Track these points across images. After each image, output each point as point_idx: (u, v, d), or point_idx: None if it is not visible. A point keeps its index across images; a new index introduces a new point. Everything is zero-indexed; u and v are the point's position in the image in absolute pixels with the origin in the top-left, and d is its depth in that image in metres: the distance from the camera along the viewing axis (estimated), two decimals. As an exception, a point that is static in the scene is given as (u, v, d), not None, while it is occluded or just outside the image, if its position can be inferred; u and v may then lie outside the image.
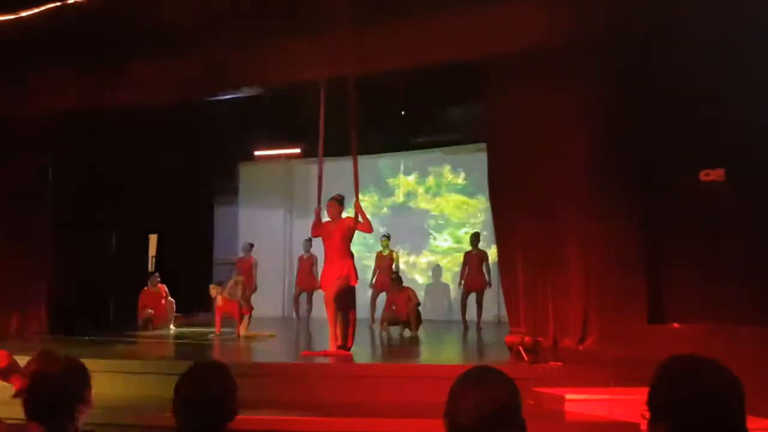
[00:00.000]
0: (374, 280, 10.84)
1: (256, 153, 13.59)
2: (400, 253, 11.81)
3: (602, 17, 6.81)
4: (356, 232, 7.20)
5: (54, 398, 2.18)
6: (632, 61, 6.93)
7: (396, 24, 7.58)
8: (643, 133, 6.87)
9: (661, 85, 6.70)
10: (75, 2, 8.16)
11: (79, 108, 9.02)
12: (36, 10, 8.43)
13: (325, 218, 7.28)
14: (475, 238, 10.50)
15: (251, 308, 9.53)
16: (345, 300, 7.09)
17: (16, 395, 2.43)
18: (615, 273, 6.93)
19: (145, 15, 7.70)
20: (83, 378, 2.28)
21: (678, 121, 6.59)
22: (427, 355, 8.17)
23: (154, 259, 12.41)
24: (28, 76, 8.86)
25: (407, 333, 9.37)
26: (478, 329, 10.03)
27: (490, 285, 10.22)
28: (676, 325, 6.29)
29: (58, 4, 8.34)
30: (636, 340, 6.32)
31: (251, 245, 11.84)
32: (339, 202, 7.27)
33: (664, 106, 6.66)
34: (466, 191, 12.30)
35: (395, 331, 9.62)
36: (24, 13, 8.49)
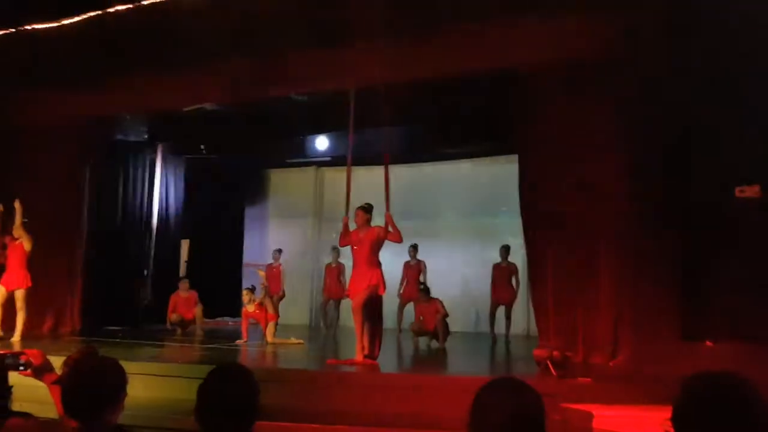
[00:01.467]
0: (402, 289, 10.81)
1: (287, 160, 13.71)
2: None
3: (639, 30, 6.76)
4: (385, 241, 7.20)
5: (91, 395, 2.21)
6: (668, 74, 6.82)
7: (428, 34, 7.60)
8: (679, 149, 6.76)
9: (696, 99, 6.59)
10: (115, 11, 8.36)
11: (115, 114, 9.21)
12: (77, 19, 8.65)
13: (353, 227, 7.29)
14: (504, 250, 10.43)
15: (278, 315, 9.57)
16: (372, 309, 7.08)
17: (54, 383, 2.48)
18: (648, 289, 6.79)
19: (181, 24, 7.85)
20: (120, 378, 2.31)
21: (714, 136, 6.48)
22: (454, 366, 8.12)
23: (186, 263, 12.57)
24: (64, 86, 9.07)
25: (434, 344, 9.33)
26: (507, 342, 9.95)
27: (516, 296, 10.16)
28: (709, 343, 6.15)
29: (99, 12, 8.54)
30: (668, 357, 6.18)
31: (280, 251, 11.91)
32: (366, 210, 7.27)
33: (700, 121, 6.55)
34: (496, 202, 12.21)
35: (422, 341, 9.59)
36: (66, 21, 8.71)
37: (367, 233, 7.14)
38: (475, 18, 7.32)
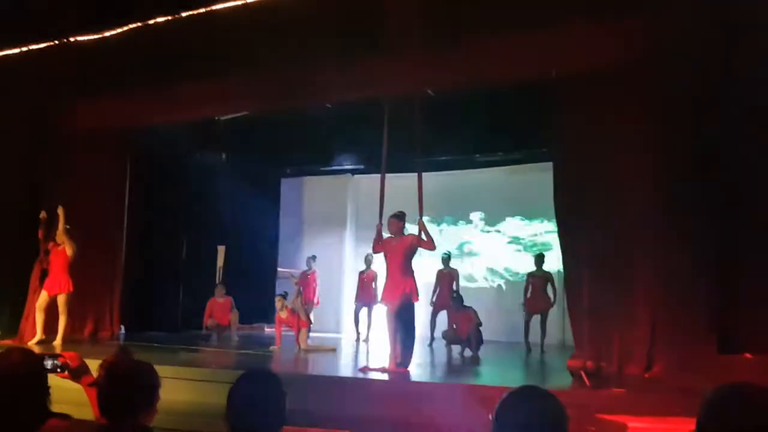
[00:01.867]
0: (434, 298, 10.81)
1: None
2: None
3: (677, 35, 6.68)
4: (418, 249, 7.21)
5: (126, 397, 2.27)
6: (707, 80, 6.73)
7: (464, 43, 7.62)
8: (717, 157, 6.65)
9: (737, 106, 6.48)
10: (155, 23, 8.57)
11: (155, 122, 9.42)
12: (119, 30, 8.88)
13: (387, 234, 7.32)
14: (539, 259, 10.35)
15: (310, 321, 9.64)
16: (405, 317, 7.09)
17: (91, 384, 2.55)
18: (685, 299, 6.68)
19: (218, 34, 8.01)
20: (154, 381, 2.38)
21: (754, 144, 6.37)
22: (486, 376, 8.07)
23: (221, 270, 12.75)
24: (104, 96, 9.31)
25: (467, 353, 9.29)
26: (541, 352, 9.86)
27: (553, 304, 10.07)
28: (748, 355, 6.03)
29: (140, 24, 8.77)
30: (706, 369, 6.06)
31: (314, 258, 11.99)
32: (400, 218, 7.29)
33: (741, 129, 6.44)
34: (529, 211, 12.14)
35: (455, 350, 9.56)
36: (108, 33, 8.96)
37: (401, 241, 7.16)
38: (506, 26, 7.34)
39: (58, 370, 2.58)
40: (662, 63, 6.81)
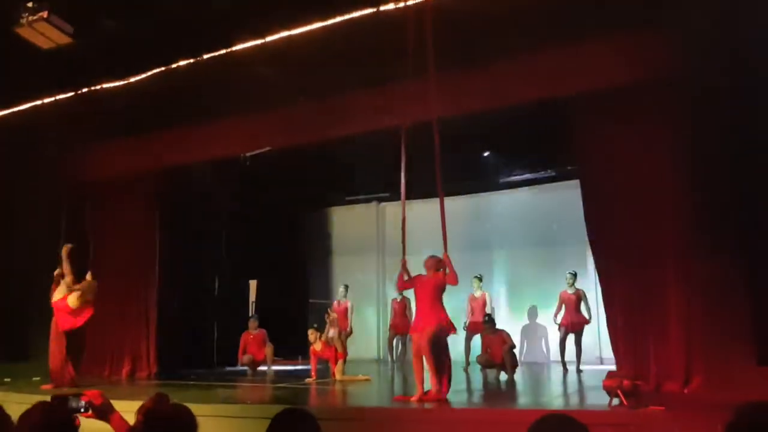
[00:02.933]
0: (468, 322, 10.76)
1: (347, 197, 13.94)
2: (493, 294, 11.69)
3: (703, 50, 6.66)
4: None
5: None
6: (734, 94, 6.67)
7: (482, 66, 7.70)
8: (746, 169, 6.59)
9: (757, 115, 6.43)
10: (177, 66, 8.78)
11: (181, 164, 9.62)
12: (143, 75, 9.12)
13: (414, 272, 7.27)
14: (571, 277, 10.28)
15: (346, 352, 9.65)
16: (438, 346, 7.02)
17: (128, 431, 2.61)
18: (720, 312, 6.58)
19: (239, 74, 8.19)
20: (191, 424, 2.43)
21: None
22: (523, 399, 7.99)
23: (254, 304, 12.86)
24: (131, 140, 9.55)
25: (503, 376, 9.22)
26: (578, 372, 9.74)
27: (589, 321, 9.97)
28: (788, 367, 5.91)
29: (163, 68, 8.99)
30: (745, 383, 5.95)
31: (347, 287, 12.02)
32: (438, 261, 7.22)
33: (762, 137, 6.38)
34: (558, 229, 12.05)
35: (491, 374, 9.49)
36: (132, 79, 9.20)
37: (433, 277, 7.11)
38: (527, 47, 7.39)
39: (82, 410, 2.61)
40: (688, 77, 6.79)
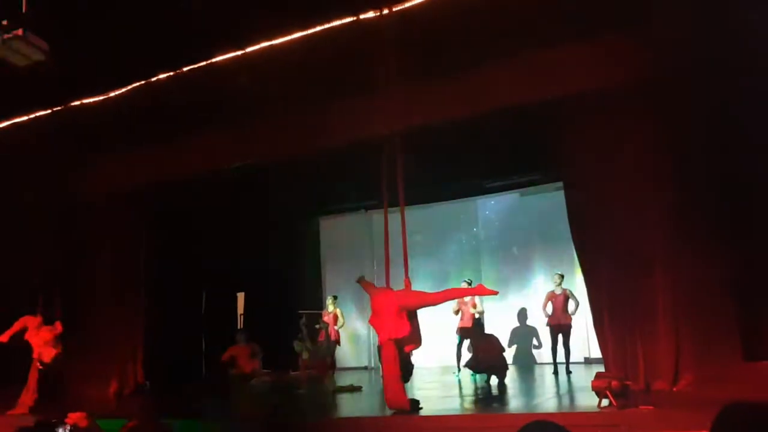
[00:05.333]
0: (458, 326, 10.74)
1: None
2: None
3: (687, 55, 6.70)
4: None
5: None
6: (715, 97, 6.71)
7: (462, 72, 7.71)
8: (729, 170, 6.63)
9: (752, 121, 6.48)
10: (157, 80, 8.75)
11: (165, 179, 9.58)
12: (123, 90, 9.07)
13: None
14: (559, 277, 10.30)
15: (335, 362, 9.61)
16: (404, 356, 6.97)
17: None
18: (706, 310, 6.62)
19: (220, 86, 8.16)
20: None
21: (761, 146, 6.34)
22: (514, 403, 7.99)
23: (242, 316, 12.79)
24: (114, 155, 9.50)
25: (494, 380, 9.21)
26: (567, 372, 9.75)
27: (575, 312, 10.00)
28: (774, 361, 5.95)
29: (143, 82, 8.95)
30: (732, 379, 5.97)
31: (335, 297, 12.00)
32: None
33: (756, 144, 6.43)
34: (546, 231, 12.08)
35: (482, 378, 9.48)
36: (113, 93, 9.15)
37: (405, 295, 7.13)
38: (508, 52, 7.40)
39: None
40: (667, 79, 6.83)
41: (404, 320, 6.62)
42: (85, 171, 9.93)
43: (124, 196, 10.08)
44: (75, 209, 10.09)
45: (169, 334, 10.46)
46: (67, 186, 9.98)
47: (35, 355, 8.88)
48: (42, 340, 8.89)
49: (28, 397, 8.71)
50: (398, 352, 6.74)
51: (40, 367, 8.83)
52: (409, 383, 7.20)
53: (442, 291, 7.70)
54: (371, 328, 13.22)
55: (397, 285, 7.27)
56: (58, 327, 8.98)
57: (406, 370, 6.82)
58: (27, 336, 8.93)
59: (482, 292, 7.73)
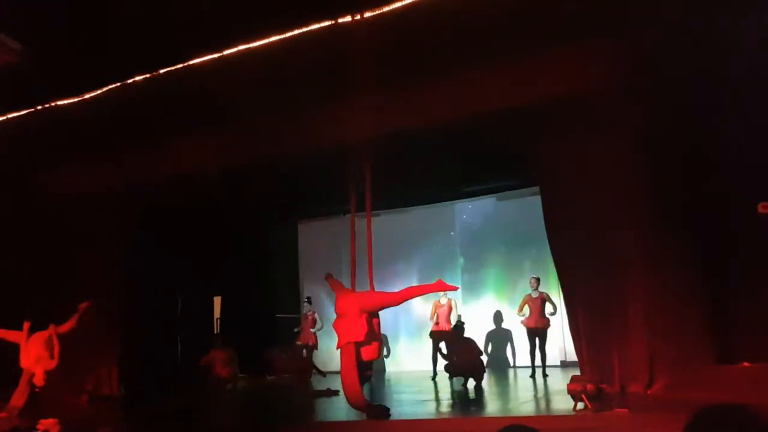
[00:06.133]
0: (432, 329, 10.76)
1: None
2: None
3: (660, 61, 6.78)
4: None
5: None
6: (691, 106, 6.80)
7: (440, 78, 7.73)
8: (698, 172, 6.73)
9: (713, 122, 6.58)
10: (134, 81, 8.65)
11: (140, 182, 9.48)
12: (99, 92, 8.96)
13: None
14: (535, 281, 10.36)
15: (313, 367, 9.59)
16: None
17: None
18: (680, 314, 6.70)
19: (196, 88, 8.11)
20: None
21: (735, 157, 6.45)
22: (491, 407, 8.01)
23: (218, 321, 12.70)
24: (89, 159, 9.38)
25: (471, 383, 9.23)
26: (544, 376, 9.81)
27: (554, 314, 10.05)
28: (746, 364, 6.03)
29: (119, 84, 8.85)
30: (706, 381, 6.06)
31: (309, 299, 11.98)
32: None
33: (720, 145, 6.54)
34: (523, 236, 12.15)
35: (458, 382, 9.50)
36: (88, 95, 9.03)
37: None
38: (485, 58, 7.42)
39: None
40: (645, 88, 6.91)
41: (363, 322, 6.58)
42: (58, 174, 9.78)
43: (99, 200, 9.94)
44: (47, 213, 9.94)
45: (145, 338, 10.34)
46: (38, 188, 9.83)
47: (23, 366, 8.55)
48: (34, 356, 8.51)
49: (17, 399, 8.46)
50: (358, 356, 6.68)
51: (36, 390, 8.45)
52: (385, 387, 7.21)
53: (402, 290, 7.60)
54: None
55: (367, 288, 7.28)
56: (51, 329, 8.66)
57: (362, 377, 6.75)
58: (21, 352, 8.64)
59: (442, 287, 7.70)
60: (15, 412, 8.17)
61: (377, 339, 6.77)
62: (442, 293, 10.72)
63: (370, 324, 6.60)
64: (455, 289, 7.93)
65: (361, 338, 6.53)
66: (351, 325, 6.62)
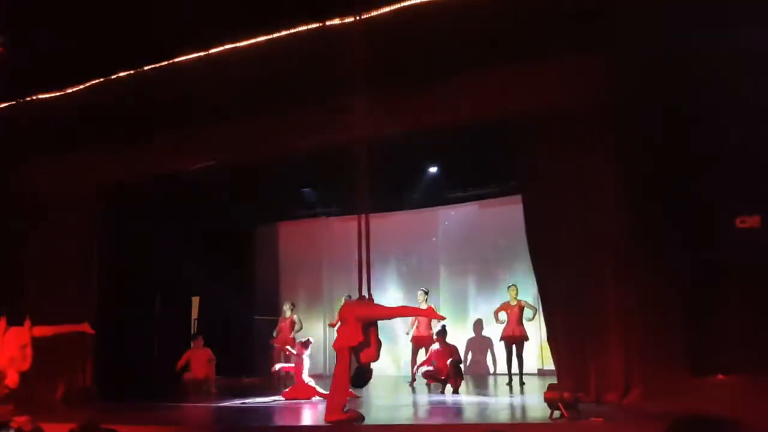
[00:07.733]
0: (412, 335, 10.75)
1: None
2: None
3: (640, 73, 6.87)
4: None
5: None
6: (670, 119, 6.88)
7: (427, 85, 7.77)
8: (682, 189, 6.80)
9: (693, 136, 6.66)
10: (117, 77, 8.60)
11: (119, 180, 9.41)
12: (81, 87, 8.89)
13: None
14: (514, 289, 10.37)
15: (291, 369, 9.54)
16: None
17: None
18: (656, 325, 6.76)
19: (181, 87, 8.07)
20: None
21: (713, 170, 6.53)
22: (468, 413, 8.02)
23: (196, 321, 12.60)
24: (69, 154, 9.28)
25: (448, 389, 9.24)
26: (521, 383, 9.83)
27: (533, 318, 10.08)
28: (721, 376, 6.09)
29: (102, 79, 8.79)
30: (681, 392, 6.12)
31: (292, 305, 11.91)
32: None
33: (699, 157, 6.62)
34: (504, 243, 12.19)
35: (435, 388, 9.50)
36: (70, 90, 8.96)
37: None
38: (470, 67, 7.48)
39: None
40: (627, 99, 6.99)
41: (358, 329, 6.72)
42: (32, 169, 9.67)
43: (75, 197, 9.85)
44: (21, 209, 9.83)
45: (120, 337, 10.24)
46: (11, 184, 9.72)
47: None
48: (8, 358, 8.29)
49: None
50: (351, 361, 6.81)
51: (7, 392, 8.22)
52: (362, 392, 7.19)
53: (395, 307, 8.06)
54: (328, 335, 13.24)
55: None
56: (28, 326, 8.47)
57: (363, 378, 6.88)
58: None
59: (431, 315, 8.20)
60: None
61: (376, 343, 6.90)
62: (422, 299, 10.73)
63: (366, 331, 6.74)
64: (442, 318, 8.73)
65: (354, 344, 6.71)
66: (347, 331, 6.84)
